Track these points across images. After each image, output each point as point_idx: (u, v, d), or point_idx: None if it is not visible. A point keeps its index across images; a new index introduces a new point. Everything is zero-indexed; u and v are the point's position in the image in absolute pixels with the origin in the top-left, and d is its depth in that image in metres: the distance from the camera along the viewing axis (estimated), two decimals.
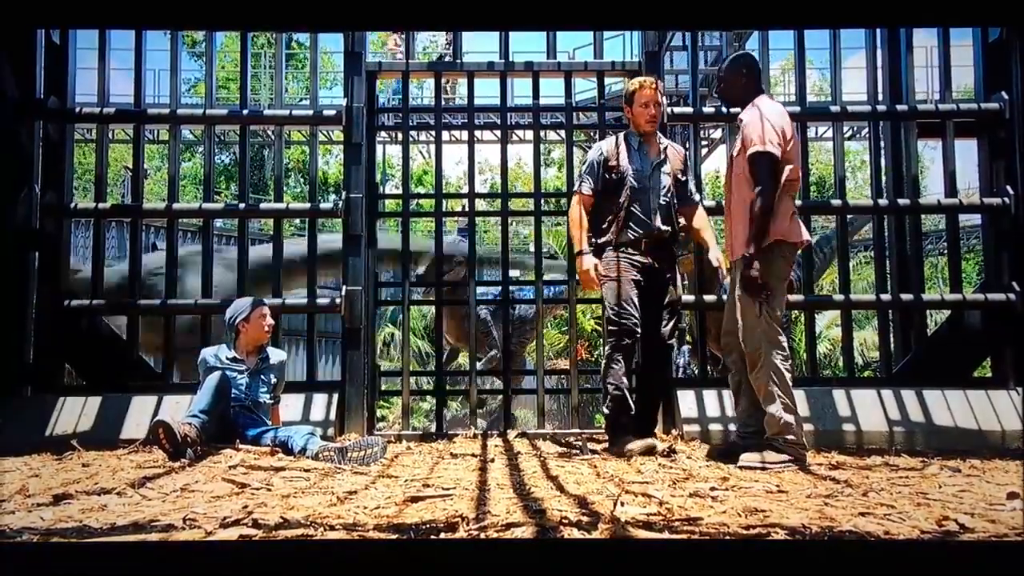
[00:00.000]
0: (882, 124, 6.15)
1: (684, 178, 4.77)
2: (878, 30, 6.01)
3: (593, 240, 4.62)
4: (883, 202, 5.86)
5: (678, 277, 4.75)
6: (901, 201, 5.77)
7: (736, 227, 4.14)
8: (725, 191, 4.37)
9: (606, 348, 4.62)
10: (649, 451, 4.27)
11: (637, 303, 4.48)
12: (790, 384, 3.97)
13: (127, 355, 5.79)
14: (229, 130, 15.51)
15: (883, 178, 6.18)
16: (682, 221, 4.73)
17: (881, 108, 5.86)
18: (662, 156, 4.66)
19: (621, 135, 4.72)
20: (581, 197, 4.67)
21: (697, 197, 4.91)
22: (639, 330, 4.48)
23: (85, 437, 4.74)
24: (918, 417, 5.07)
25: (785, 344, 4.04)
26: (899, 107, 5.78)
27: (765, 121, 4.01)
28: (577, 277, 4.89)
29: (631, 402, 4.52)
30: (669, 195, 4.62)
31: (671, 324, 4.64)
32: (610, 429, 4.57)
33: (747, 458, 3.90)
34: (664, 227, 4.56)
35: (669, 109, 5.66)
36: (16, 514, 2.52)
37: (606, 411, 4.56)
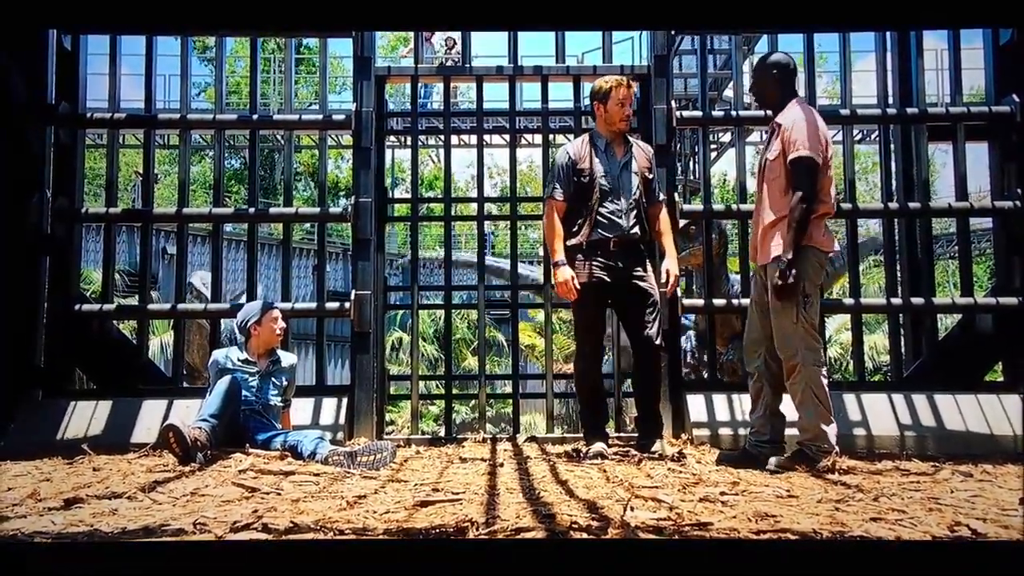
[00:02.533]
0: (892, 127, 6.13)
1: (651, 176, 4.73)
2: (888, 33, 5.99)
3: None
4: (894, 205, 5.83)
5: (651, 275, 4.65)
6: (912, 204, 5.75)
7: (768, 232, 4.08)
8: (757, 195, 4.29)
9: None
10: (600, 456, 4.30)
11: (601, 322, 4.76)
12: (828, 393, 3.95)
13: (137, 359, 5.81)
14: (239, 134, 15.58)
15: (893, 181, 6.16)
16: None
17: (891, 111, 5.85)
18: (629, 156, 4.64)
19: (586, 136, 4.71)
20: (554, 204, 4.64)
21: (662, 196, 4.86)
22: (600, 349, 4.73)
23: (96, 441, 4.77)
24: (929, 421, 5.05)
25: (822, 352, 4.03)
26: (909, 110, 5.76)
27: (809, 125, 3.96)
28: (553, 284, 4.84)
29: (597, 401, 4.72)
30: (638, 195, 4.61)
31: (656, 324, 4.60)
32: (583, 429, 4.78)
33: (776, 462, 3.91)
34: (633, 228, 4.56)
35: (678, 113, 5.65)
36: (28, 518, 2.53)
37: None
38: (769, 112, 4.33)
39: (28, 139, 5.47)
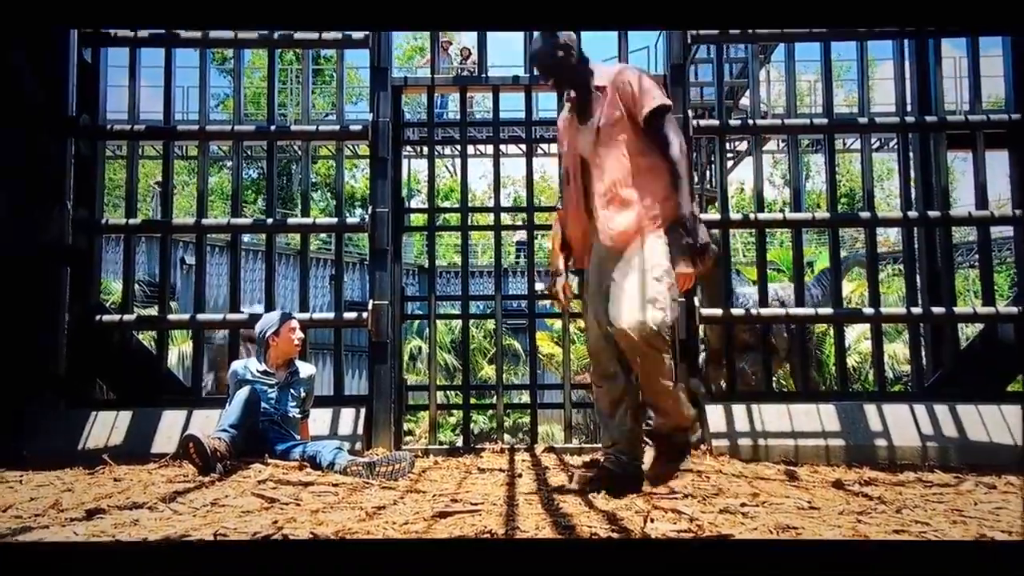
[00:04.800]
0: (911, 136, 6.10)
1: None
2: (906, 41, 5.97)
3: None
4: (913, 214, 5.80)
5: None
6: (931, 213, 5.71)
7: (620, 205, 3.55)
8: (575, 175, 3.74)
9: None
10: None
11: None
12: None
13: (157, 369, 5.85)
14: (256, 145, 15.68)
15: (912, 190, 6.12)
16: None
17: (910, 120, 5.81)
18: None
19: None
20: (559, 215, 4.50)
21: None
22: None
23: (116, 451, 4.79)
24: (951, 432, 5.00)
25: None
26: (928, 118, 5.73)
27: (645, 76, 3.58)
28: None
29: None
30: None
31: None
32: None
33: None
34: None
35: (695, 122, 5.64)
36: (50, 528, 2.55)
37: None
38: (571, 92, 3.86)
39: (49, 151, 5.53)
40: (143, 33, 5.85)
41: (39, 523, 2.67)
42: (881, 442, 4.97)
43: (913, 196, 6.11)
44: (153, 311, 7.82)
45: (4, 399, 5.10)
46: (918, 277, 6.10)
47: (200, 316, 5.76)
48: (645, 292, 3.41)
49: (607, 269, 3.59)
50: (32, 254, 5.39)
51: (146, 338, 7.08)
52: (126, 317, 5.68)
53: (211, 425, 4.59)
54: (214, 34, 5.98)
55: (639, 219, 3.53)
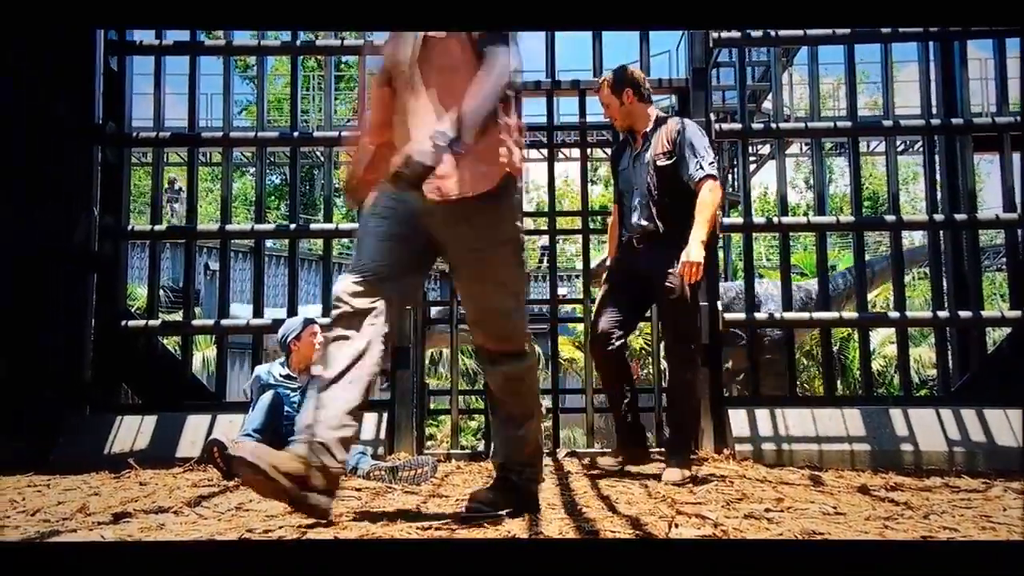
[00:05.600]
0: (937, 138, 6.05)
1: (669, 160, 4.17)
2: (931, 43, 5.91)
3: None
4: (939, 217, 5.74)
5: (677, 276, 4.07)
6: (958, 216, 5.65)
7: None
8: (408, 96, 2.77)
9: None
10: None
11: (613, 310, 4.26)
12: None
13: (182, 374, 5.89)
14: (279, 151, 15.79)
15: (938, 193, 6.06)
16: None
17: (935, 122, 5.76)
18: (646, 145, 4.26)
19: (623, 135, 4.58)
20: (615, 207, 4.58)
21: (698, 174, 4.08)
22: (608, 339, 4.23)
23: (142, 455, 4.84)
24: (979, 437, 4.94)
25: None
26: (954, 121, 5.68)
27: None
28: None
29: (619, 413, 4.42)
30: (649, 187, 4.20)
31: (674, 329, 4.23)
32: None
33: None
34: (644, 223, 4.20)
35: (717, 126, 5.62)
36: (78, 532, 2.57)
37: None
38: None
39: (77, 158, 5.60)
40: (168, 41, 5.91)
41: (67, 527, 2.69)
42: (907, 447, 4.92)
43: (939, 199, 6.05)
44: (176, 316, 7.88)
45: (31, 404, 5.17)
46: (944, 280, 6.04)
47: (224, 321, 5.80)
48: None
49: None
50: (60, 261, 5.46)
51: (170, 343, 7.15)
52: (151, 322, 5.73)
53: (235, 430, 4.62)
54: (237, 41, 6.04)
55: None
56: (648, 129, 4.30)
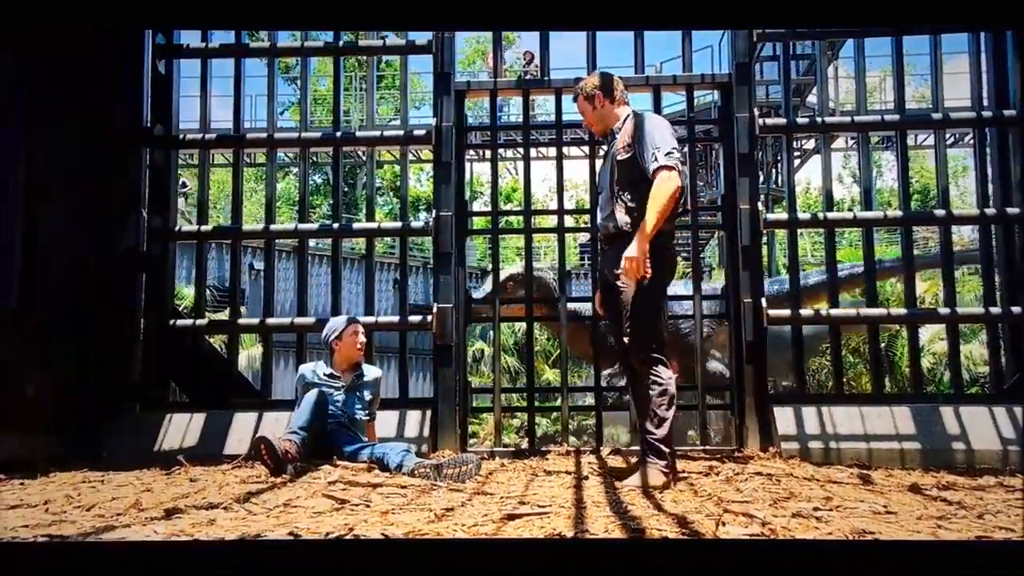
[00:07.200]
0: (988, 131, 5.91)
1: (627, 155, 3.97)
2: (982, 34, 5.78)
3: None
4: (990, 211, 5.61)
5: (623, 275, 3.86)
6: (1010, 210, 5.52)
7: None
8: None
9: None
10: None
11: (607, 317, 4.28)
12: None
13: (228, 372, 5.98)
14: (322, 151, 15.93)
15: (989, 186, 5.93)
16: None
17: (986, 114, 5.63)
18: (612, 143, 4.12)
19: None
20: None
21: (653, 165, 3.82)
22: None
23: (191, 452, 4.92)
24: None
25: None
26: (1006, 113, 5.55)
27: None
28: None
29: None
30: (610, 183, 4.04)
31: (629, 330, 3.91)
32: None
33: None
34: (607, 224, 4.06)
35: (761, 121, 5.56)
36: (132, 527, 2.62)
37: None
38: None
39: (126, 161, 5.71)
40: (214, 44, 5.99)
41: (121, 522, 2.75)
42: (959, 445, 4.83)
43: (990, 193, 5.92)
44: (222, 316, 7.99)
45: (84, 403, 5.28)
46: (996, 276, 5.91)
47: (269, 320, 5.87)
48: None
49: None
50: (110, 262, 5.57)
51: (216, 342, 7.25)
52: (199, 322, 5.83)
53: (280, 427, 4.68)
54: (281, 44, 6.11)
55: None
56: (616, 126, 4.16)
